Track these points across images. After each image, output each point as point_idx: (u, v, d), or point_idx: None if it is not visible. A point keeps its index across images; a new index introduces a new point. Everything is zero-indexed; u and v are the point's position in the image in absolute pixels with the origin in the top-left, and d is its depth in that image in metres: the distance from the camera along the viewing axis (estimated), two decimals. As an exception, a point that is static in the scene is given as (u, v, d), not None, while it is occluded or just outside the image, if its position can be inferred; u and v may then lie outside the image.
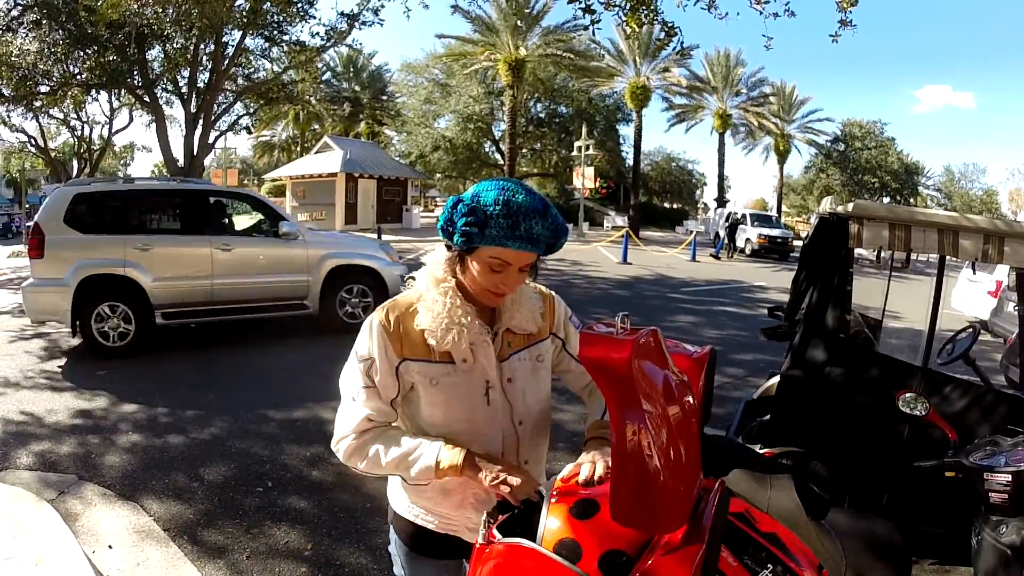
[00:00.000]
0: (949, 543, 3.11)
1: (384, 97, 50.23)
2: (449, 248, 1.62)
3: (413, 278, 1.73)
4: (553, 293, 1.87)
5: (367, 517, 4.00)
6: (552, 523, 1.33)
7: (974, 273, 11.79)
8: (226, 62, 19.39)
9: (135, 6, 14.61)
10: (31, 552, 3.42)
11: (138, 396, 6.26)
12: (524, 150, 44.77)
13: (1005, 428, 3.03)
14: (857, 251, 4.27)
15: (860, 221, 3.42)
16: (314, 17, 20.31)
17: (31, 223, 8.33)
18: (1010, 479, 2.51)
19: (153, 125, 20.56)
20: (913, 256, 4.08)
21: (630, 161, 42.62)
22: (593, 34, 13.45)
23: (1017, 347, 4.96)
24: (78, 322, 7.61)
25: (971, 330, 4.11)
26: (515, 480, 1.45)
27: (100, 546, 3.64)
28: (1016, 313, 4.88)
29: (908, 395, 3.21)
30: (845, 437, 3.59)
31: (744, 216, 28.91)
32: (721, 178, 47.51)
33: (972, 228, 3.28)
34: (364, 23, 18.68)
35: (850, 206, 3.46)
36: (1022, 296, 4.55)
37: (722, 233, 27.48)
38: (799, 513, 2.30)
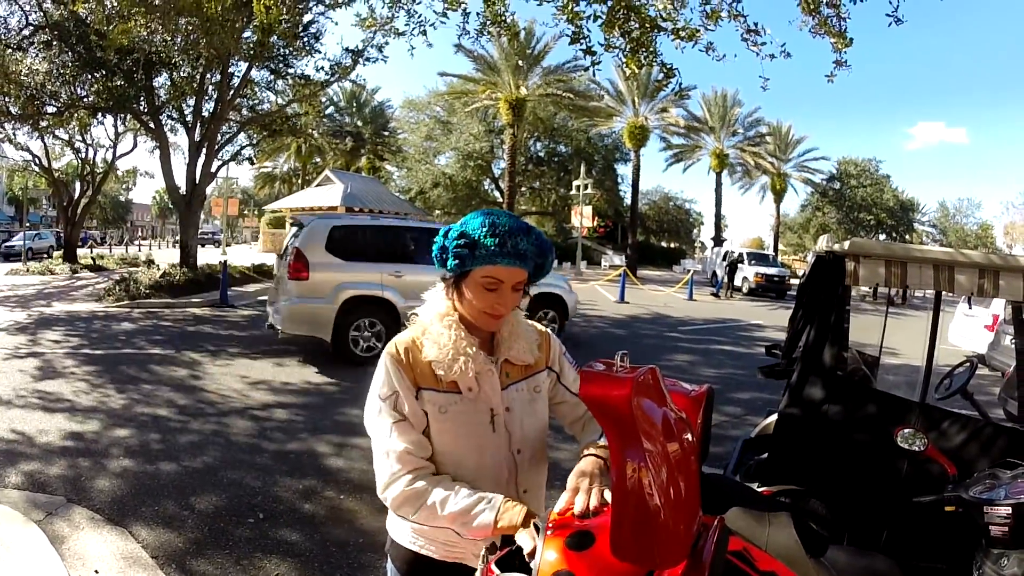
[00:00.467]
0: None
1: (386, 133, 50.72)
2: (444, 280, 1.70)
3: (416, 314, 1.77)
4: (548, 330, 1.94)
5: (360, 552, 3.94)
6: (549, 556, 1.32)
7: (970, 308, 11.83)
8: (231, 92, 19.53)
9: (144, 33, 14.77)
10: (15, 573, 3.38)
11: (131, 422, 6.23)
12: (523, 188, 45.14)
13: (1004, 461, 3.02)
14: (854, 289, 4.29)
15: (856, 259, 3.45)
16: (319, 52, 20.60)
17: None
18: (1010, 512, 2.50)
19: (157, 151, 20.60)
20: (910, 293, 4.11)
21: (628, 200, 43.08)
22: (593, 75, 13.59)
23: (1015, 380, 4.95)
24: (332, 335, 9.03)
25: (968, 364, 4.10)
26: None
27: (86, 570, 3.58)
28: (1013, 346, 4.88)
29: (906, 431, 3.20)
30: (843, 474, 3.57)
31: (741, 255, 29.02)
32: (718, 217, 47.92)
33: (967, 263, 3.30)
34: (368, 59, 18.83)
35: (846, 244, 3.48)
36: (1019, 329, 4.57)
37: (720, 272, 27.53)
38: (798, 551, 2.28)
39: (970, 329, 12.92)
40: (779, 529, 2.34)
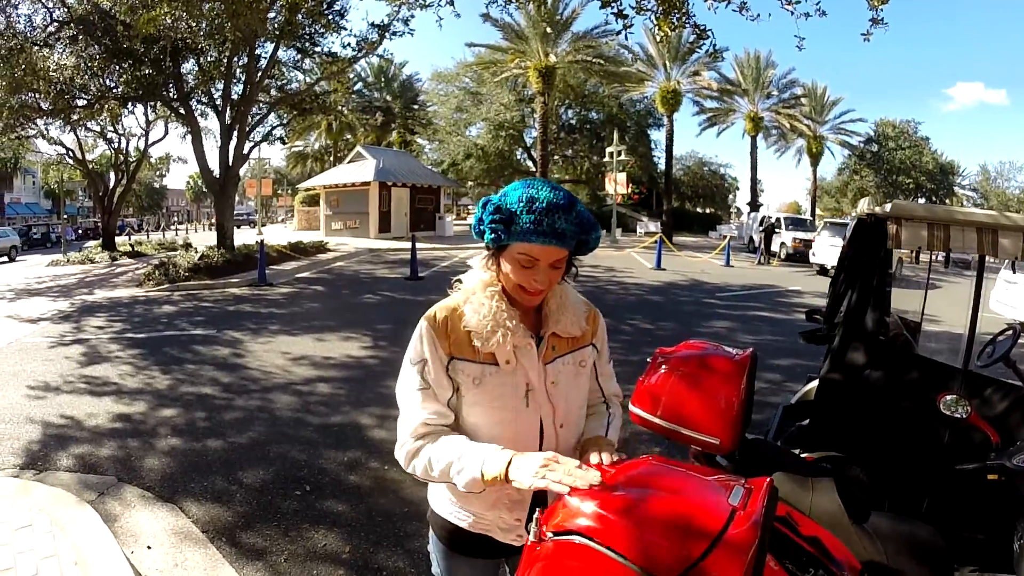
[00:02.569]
0: (991, 549, 3.03)
1: (415, 106, 50.59)
2: (488, 249, 1.67)
3: (460, 281, 1.76)
4: (596, 309, 1.90)
5: (405, 521, 4.01)
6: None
7: (1013, 273, 11.50)
8: (259, 74, 19.61)
9: (170, 20, 14.88)
10: (70, 551, 3.49)
11: (176, 401, 6.37)
12: (556, 157, 44.80)
13: None
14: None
15: (898, 222, 3.36)
16: (345, 28, 20.56)
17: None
18: None
19: (188, 137, 20.84)
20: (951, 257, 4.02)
21: (662, 166, 42.42)
22: (625, 38, 13.44)
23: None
24: None
25: (1011, 332, 4.00)
26: (557, 475, 1.37)
27: (139, 547, 3.69)
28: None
29: (949, 397, 3.15)
30: (885, 440, 3.53)
31: (778, 220, 28.50)
32: (754, 181, 47.10)
33: (1012, 226, 3.21)
34: (394, 33, 18.78)
35: (888, 207, 3.40)
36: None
37: (756, 238, 27.07)
38: (841, 516, 2.27)
39: (1012, 296, 12.60)
40: (822, 495, 2.34)
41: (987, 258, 3.49)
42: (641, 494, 1.34)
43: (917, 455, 3.46)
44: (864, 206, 3.61)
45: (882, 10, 7.92)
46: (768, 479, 1.45)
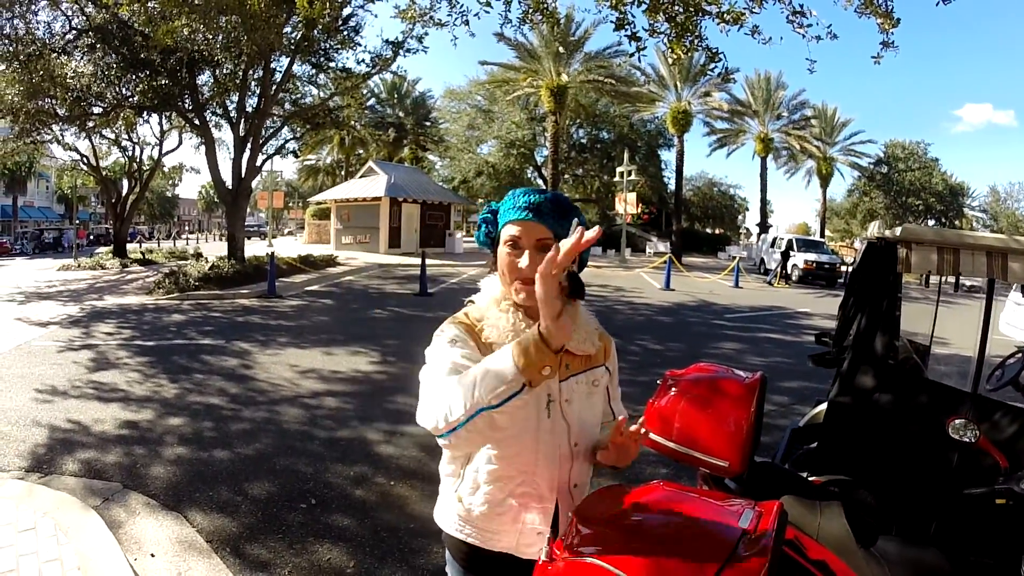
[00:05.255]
0: (999, 574, 3.01)
1: (427, 123, 50.95)
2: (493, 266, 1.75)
3: (472, 301, 1.78)
4: (608, 335, 1.90)
5: (411, 537, 4.00)
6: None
7: (1023, 296, 11.46)
8: (274, 88, 19.79)
9: (187, 32, 15.05)
10: (73, 557, 3.49)
11: (184, 411, 6.38)
12: (566, 175, 44.95)
13: None
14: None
15: (908, 245, 3.36)
16: (360, 45, 20.68)
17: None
18: None
19: (202, 147, 21.04)
20: (961, 281, 4.02)
21: (672, 186, 42.57)
22: (638, 60, 13.55)
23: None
24: None
25: (1020, 355, 4.00)
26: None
27: (143, 554, 3.69)
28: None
29: (958, 421, 3.13)
30: (894, 464, 3.51)
31: (792, 241, 28.48)
32: (764, 202, 47.15)
33: (1021, 250, 3.21)
34: (408, 51, 18.95)
35: (898, 230, 3.40)
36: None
37: (767, 259, 26.95)
38: (849, 540, 2.26)
39: (1022, 319, 12.54)
40: (830, 519, 2.33)
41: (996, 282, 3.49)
42: (652, 518, 1.36)
43: (925, 479, 3.45)
44: (874, 229, 3.62)
45: (892, 33, 7.96)
46: (778, 503, 1.45)
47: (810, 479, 3.50)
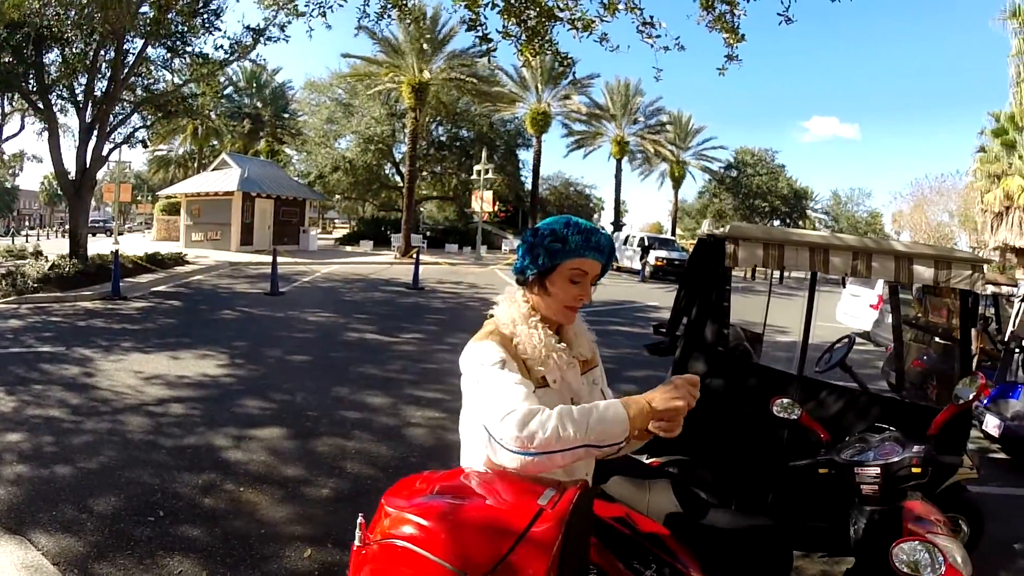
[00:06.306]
0: (833, 536, 3.32)
1: (286, 115, 49.57)
2: (523, 283, 1.89)
3: (492, 315, 1.93)
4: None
5: (262, 543, 3.93)
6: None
7: (844, 288, 12.59)
8: (126, 71, 18.46)
9: (37, 6, 13.88)
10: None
11: (21, 425, 5.97)
12: (424, 173, 44.90)
13: (873, 426, 3.28)
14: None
15: (736, 242, 3.67)
16: (219, 30, 19.56)
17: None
18: (879, 472, 2.75)
19: (45, 133, 19.32)
20: (786, 273, 4.40)
21: (529, 185, 43.46)
22: (489, 61, 13.71)
23: (894, 355, 5.42)
24: None
25: (847, 340, 4.46)
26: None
27: (-18, 576, 3.46)
28: (894, 324, 5.31)
29: (782, 401, 3.42)
30: (727, 443, 3.81)
31: (654, 240, 29.84)
32: (618, 202, 48.94)
33: (842, 246, 3.58)
34: (270, 39, 18.17)
35: (727, 228, 3.70)
36: (894, 307, 4.98)
37: (620, 256, 28.00)
38: (677, 513, 2.45)
39: (856, 308, 13.88)
40: (658, 495, 2.51)
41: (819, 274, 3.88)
42: (456, 501, 1.46)
43: (757, 455, 3.76)
44: (705, 227, 3.91)
45: (737, 48, 8.52)
46: (581, 482, 1.58)
47: (649, 460, 3.73)
